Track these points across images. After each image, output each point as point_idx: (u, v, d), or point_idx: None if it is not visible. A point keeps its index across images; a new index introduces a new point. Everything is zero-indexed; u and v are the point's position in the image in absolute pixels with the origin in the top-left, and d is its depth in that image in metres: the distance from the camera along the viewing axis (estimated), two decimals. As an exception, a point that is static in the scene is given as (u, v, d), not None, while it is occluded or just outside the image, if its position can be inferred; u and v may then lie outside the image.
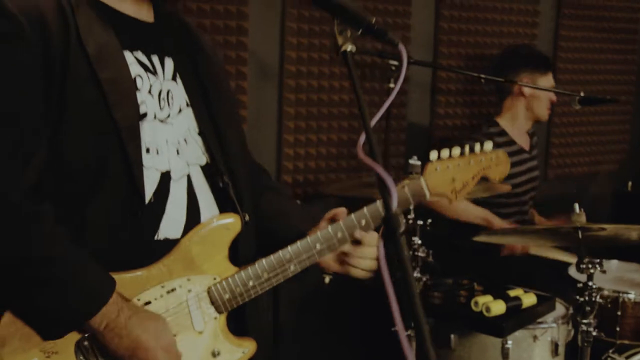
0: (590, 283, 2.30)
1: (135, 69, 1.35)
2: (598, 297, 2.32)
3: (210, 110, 1.47)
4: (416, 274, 2.37)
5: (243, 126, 2.81)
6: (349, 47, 1.17)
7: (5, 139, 1.18)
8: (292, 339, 3.08)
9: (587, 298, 2.31)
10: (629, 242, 2.72)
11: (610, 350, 2.59)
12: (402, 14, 3.29)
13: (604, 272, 2.30)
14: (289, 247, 1.42)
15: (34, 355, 1.25)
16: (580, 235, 2.31)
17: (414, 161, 2.30)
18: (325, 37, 3.07)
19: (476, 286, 2.50)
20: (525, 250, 3.00)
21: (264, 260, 1.41)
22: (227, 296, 1.38)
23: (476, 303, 2.35)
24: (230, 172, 1.46)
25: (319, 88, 3.10)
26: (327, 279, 2.06)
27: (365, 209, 1.48)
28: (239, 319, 1.46)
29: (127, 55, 1.35)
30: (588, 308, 2.31)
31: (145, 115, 1.34)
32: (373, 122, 1.07)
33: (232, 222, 1.41)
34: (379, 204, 1.47)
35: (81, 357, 1.28)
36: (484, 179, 1.63)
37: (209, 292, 1.38)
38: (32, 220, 1.20)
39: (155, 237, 1.34)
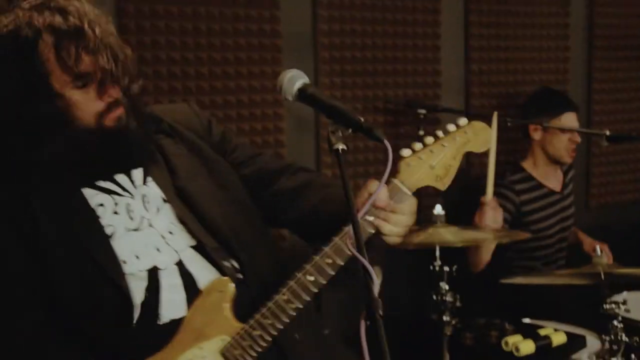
0: (615, 322, 2.35)
1: (97, 199, 1.49)
2: (624, 335, 2.36)
3: (186, 197, 1.56)
4: (446, 318, 2.47)
5: (281, 137, 2.99)
6: (341, 147, 1.30)
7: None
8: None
9: (612, 337, 2.36)
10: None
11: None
12: (431, 61, 3.41)
13: (628, 310, 2.35)
14: (284, 289, 1.45)
15: None
16: (602, 278, 2.37)
17: (438, 211, 2.43)
18: (357, 89, 3.21)
19: (507, 326, 2.56)
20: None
21: (263, 309, 1.46)
22: (238, 352, 1.46)
23: (506, 343, 2.43)
24: (220, 241, 1.55)
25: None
26: (325, 331, 2.14)
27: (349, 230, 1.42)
28: None
29: (87, 192, 1.49)
30: (615, 347, 2.36)
31: (113, 234, 1.48)
32: (361, 215, 1.21)
33: (223, 284, 1.49)
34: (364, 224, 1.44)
35: None
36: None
37: (222, 354, 1.46)
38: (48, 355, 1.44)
39: (159, 322, 1.47)
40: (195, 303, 1.48)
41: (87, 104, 1.43)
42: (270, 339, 1.46)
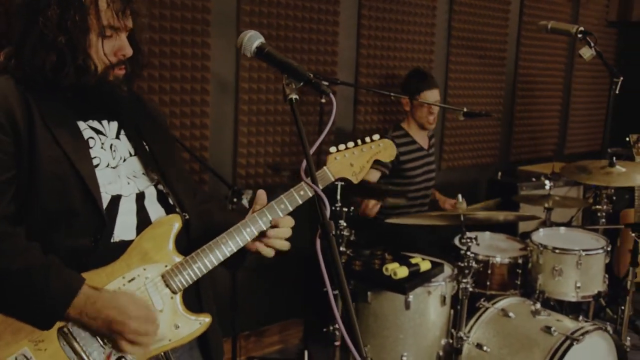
0: (468, 253, 2.48)
1: (87, 133, 1.38)
2: (474, 262, 2.50)
3: (152, 155, 1.48)
4: (342, 249, 2.49)
5: (206, 132, 2.90)
6: (294, 96, 1.24)
7: None
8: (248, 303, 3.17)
9: (466, 263, 2.49)
10: (499, 221, 2.93)
11: (482, 299, 2.76)
12: (330, 43, 3.38)
13: (477, 244, 2.48)
14: (224, 233, 1.40)
15: (24, 345, 1.26)
16: (462, 219, 2.49)
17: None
18: (271, 62, 3.12)
19: (387, 256, 2.62)
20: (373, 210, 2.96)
21: (204, 246, 1.40)
22: (177, 278, 1.37)
23: (386, 269, 2.50)
24: (170, 189, 1.46)
25: (266, 101, 3.17)
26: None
27: (283, 197, 1.44)
28: (195, 298, 1.45)
29: (80, 124, 1.37)
30: (467, 271, 2.49)
31: (98, 164, 1.36)
32: (312, 150, 1.16)
33: (172, 219, 1.41)
34: (294, 193, 1.45)
35: (63, 342, 1.28)
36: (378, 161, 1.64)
37: (162, 277, 1.36)
38: (5, 239, 1.24)
39: (112, 240, 1.35)
40: (146, 230, 1.37)
41: (102, 53, 1.33)
42: (204, 271, 1.38)
